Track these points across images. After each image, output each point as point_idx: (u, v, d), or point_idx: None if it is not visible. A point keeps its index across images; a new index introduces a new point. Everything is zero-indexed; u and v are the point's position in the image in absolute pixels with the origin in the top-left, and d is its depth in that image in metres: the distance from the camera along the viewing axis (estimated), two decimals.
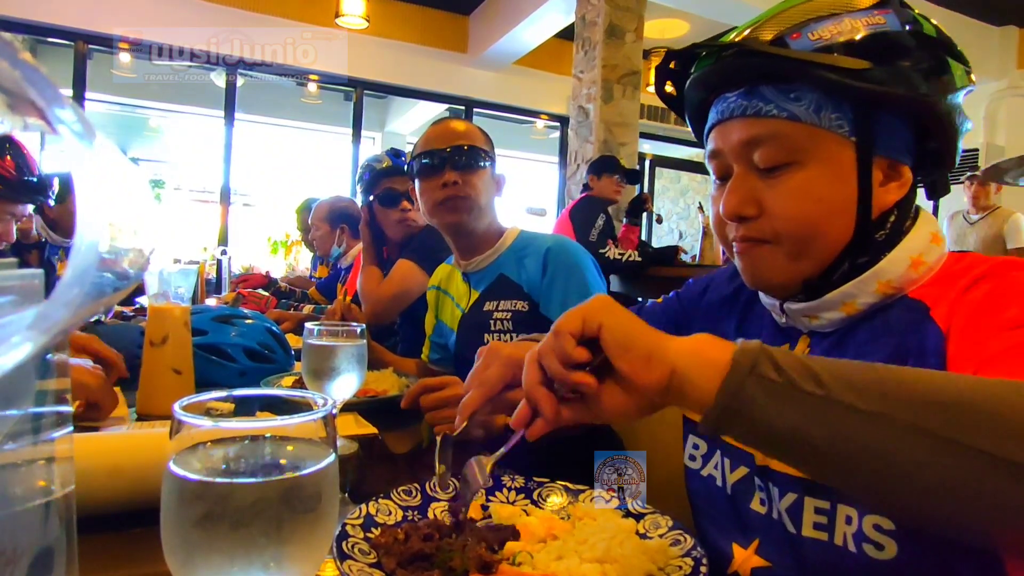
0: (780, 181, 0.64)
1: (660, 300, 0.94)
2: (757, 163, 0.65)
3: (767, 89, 0.63)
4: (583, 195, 3.68)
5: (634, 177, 3.91)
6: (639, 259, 3.34)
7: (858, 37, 0.61)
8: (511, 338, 1.29)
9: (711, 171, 0.71)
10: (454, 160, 1.34)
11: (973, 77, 0.65)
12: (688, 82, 0.71)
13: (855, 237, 0.64)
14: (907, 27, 0.63)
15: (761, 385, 0.47)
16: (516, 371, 0.73)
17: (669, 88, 0.75)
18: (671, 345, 0.51)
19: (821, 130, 0.62)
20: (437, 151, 1.35)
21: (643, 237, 4.60)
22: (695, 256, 4.40)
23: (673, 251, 3.70)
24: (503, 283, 1.35)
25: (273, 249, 6.67)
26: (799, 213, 0.64)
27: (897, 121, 0.64)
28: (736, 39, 0.66)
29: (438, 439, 0.68)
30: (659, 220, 6.69)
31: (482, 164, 1.35)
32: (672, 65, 0.72)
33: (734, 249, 0.70)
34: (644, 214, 4.20)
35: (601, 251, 3.31)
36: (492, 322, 1.32)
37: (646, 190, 7.40)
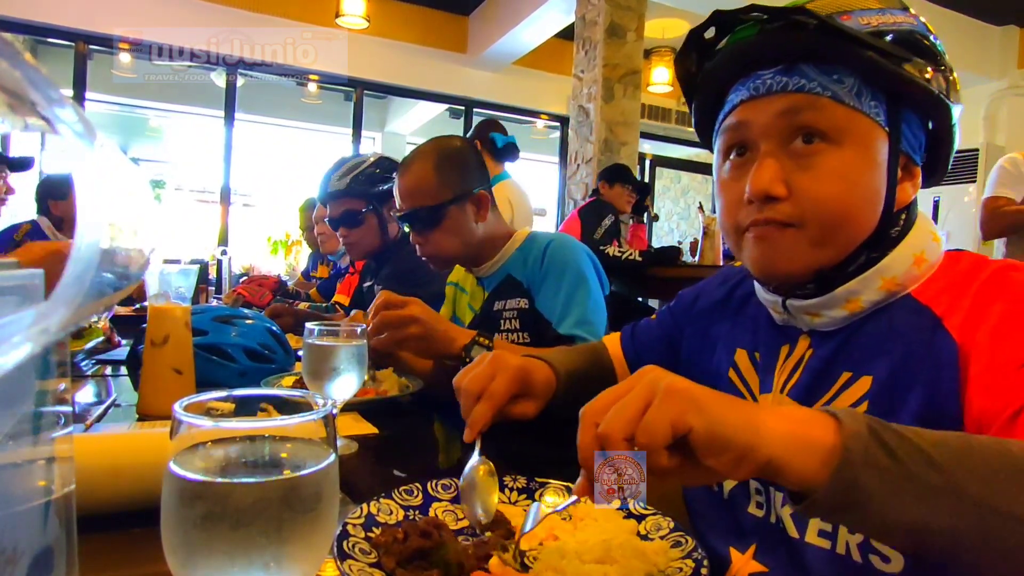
0: (815, 162, 0.62)
1: (654, 316, 0.94)
2: (795, 131, 0.63)
3: (808, 68, 0.62)
4: (593, 198, 3.70)
5: (645, 190, 3.92)
6: (639, 259, 3.34)
7: (899, 30, 0.62)
8: (519, 336, 1.30)
9: (724, 148, 0.68)
10: (411, 224, 1.35)
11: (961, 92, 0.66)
12: (720, 55, 0.68)
13: (877, 229, 0.64)
14: (930, 35, 0.64)
15: (877, 476, 0.43)
16: (521, 383, 0.76)
17: (690, 65, 0.72)
18: (765, 432, 0.44)
19: (861, 114, 0.62)
20: (399, 215, 1.37)
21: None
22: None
23: (675, 251, 3.70)
24: (509, 282, 1.35)
25: (273, 249, 6.67)
26: (834, 195, 0.62)
27: (917, 121, 0.65)
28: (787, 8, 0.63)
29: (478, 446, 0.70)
30: (655, 218, 6.71)
31: (436, 221, 1.31)
32: (708, 35, 0.69)
33: (749, 235, 0.66)
34: (644, 212, 4.22)
35: (602, 248, 3.32)
36: (502, 321, 1.33)
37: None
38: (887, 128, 0.63)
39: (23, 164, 2.75)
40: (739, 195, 0.66)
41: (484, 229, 1.36)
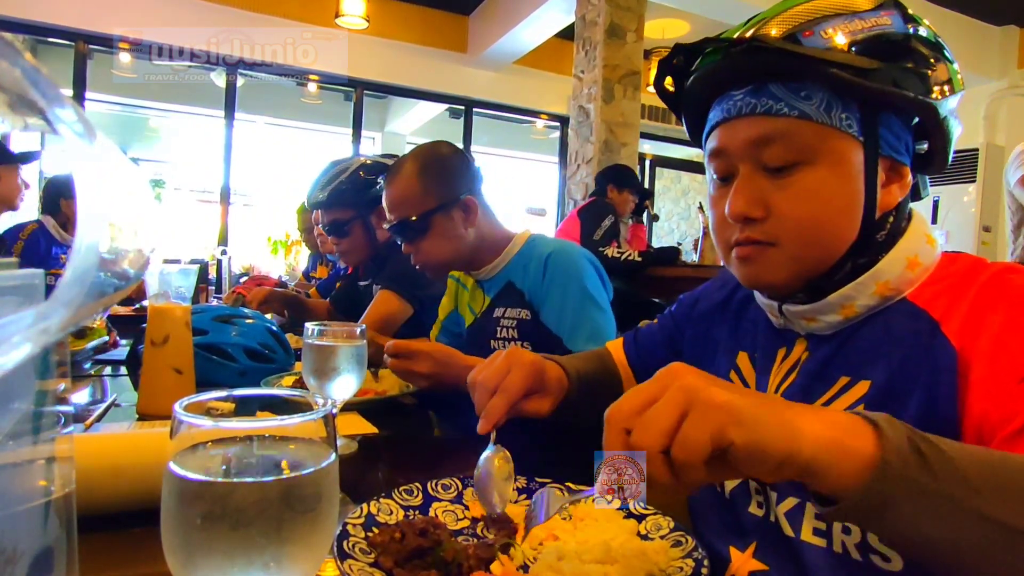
0: (790, 182, 0.63)
1: (656, 321, 0.94)
2: (766, 162, 0.64)
3: (776, 87, 0.62)
4: (593, 199, 3.69)
5: (646, 195, 3.90)
6: (639, 259, 3.34)
7: (868, 37, 0.61)
8: (514, 346, 1.28)
9: (711, 171, 0.70)
10: (400, 235, 1.34)
11: (963, 80, 0.65)
12: (692, 78, 0.69)
13: (859, 238, 0.64)
14: (910, 29, 0.63)
15: (911, 491, 0.42)
16: (536, 378, 0.76)
17: (668, 84, 0.73)
18: (803, 438, 0.43)
19: (831, 129, 0.62)
20: (387, 226, 1.36)
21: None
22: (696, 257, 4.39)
23: (674, 252, 3.70)
24: (510, 290, 1.33)
25: (273, 249, 6.66)
26: (809, 214, 0.63)
27: (899, 122, 0.64)
28: (745, 35, 0.65)
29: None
30: (655, 218, 6.71)
31: (422, 230, 1.30)
32: (676, 61, 0.70)
33: (733, 254, 0.68)
34: (644, 212, 4.21)
35: (601, 249, 3.32)
36: (499, 329, 1.31)
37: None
38: (861, 138, 0.62)
39: (29, 157, 2.85)
40: (723, 213, 0.67)
41: (476, 234, 1.34)
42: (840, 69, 0.60)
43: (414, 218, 1.30)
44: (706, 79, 0.68)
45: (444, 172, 1.32)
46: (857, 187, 0.63)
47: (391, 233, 1.37)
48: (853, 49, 0.61)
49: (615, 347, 0.96)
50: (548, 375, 0.78)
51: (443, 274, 1.43)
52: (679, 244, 7.59)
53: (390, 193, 1.34)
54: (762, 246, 0.65)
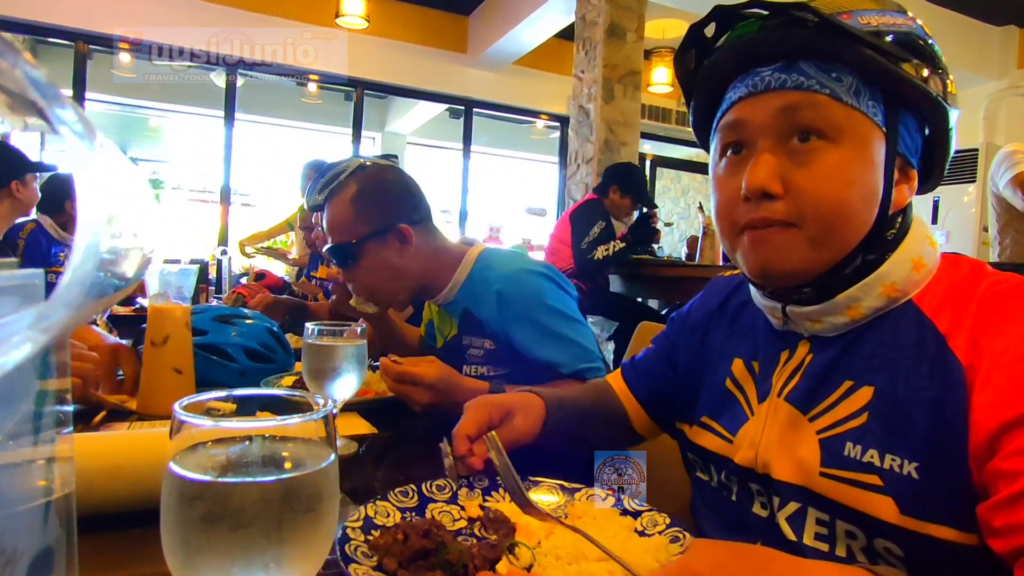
0: (813, 159, 0.62)
1: (651, 345, 0.94)
2: (790, 134, 0.62)
3: (807, 65, 0.62)
4: (589, 197, 3.67)
5: (650, 205, 3.77)
6: (622, 244, 3.35)
7: (899, 32, 0.62)
8: (486, 371, 1.29)
9: (721, 150, 0.68)
10: (336, 259, 1.31)
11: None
12: (719, 51, 0.68)
13: (871, 232, 0.63)
14: (929, 39, 0.64)
15: None
16: (495, 409, 0.80)
17: (688, 61, 0.71)
18: None
19: (859, 113, 0.62)
20: (326, 248, 1.33)
21: None
22: (694, 254, 4.37)
23: (652, 231, 3.62)
24: (469, 319, 1.31)
25: None
26: (831, 193, 0.61)
27: (915, 124, 0.65)
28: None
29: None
30: (667, 224, 6.69)
31: (355, 256, 1.27)
32: (708, 31, 0.68)
33: (744, 239, 0.65)
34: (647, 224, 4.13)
35: (589, 256, 3.33)
36: (468, 355, 1.31)
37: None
38: (884, 128, 0.62)
39: (45, 167, 2.89)
40: (735, 192, 0.65)
41: (418, 263, 1.30)
42: (879, 53, 0.60)
43: (346, 243, 1.27)
44: (735, 52, 0.66)
45: (381, 199, 1.29)
46: (877, 177, 0.63)
47: (332, 257, 1.32)
48: (888, 38, 0.61)
49: (615, 379, 0.95)
50: (513, 402, 0.82)
51: (394, 304, 1.38)
52: (680, 247, 7.54)
53: (327, 215, 1.31)
54: (779, 227, 0.63)
